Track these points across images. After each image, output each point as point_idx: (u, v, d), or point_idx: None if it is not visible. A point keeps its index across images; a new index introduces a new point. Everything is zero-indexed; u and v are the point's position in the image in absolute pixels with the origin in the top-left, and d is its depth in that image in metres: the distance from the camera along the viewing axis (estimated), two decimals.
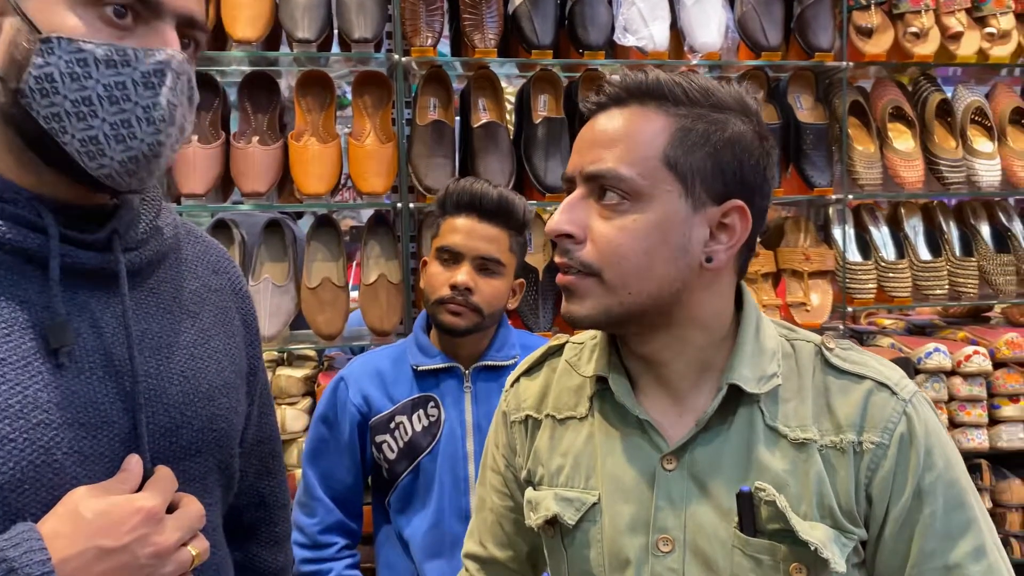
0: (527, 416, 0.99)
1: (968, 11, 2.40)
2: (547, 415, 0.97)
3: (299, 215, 2.76)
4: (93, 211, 0.78)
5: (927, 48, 2.34)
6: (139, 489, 0.75)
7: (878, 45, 2.33)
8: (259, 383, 1.01)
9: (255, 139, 2.08)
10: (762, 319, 0.90)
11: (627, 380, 0.90)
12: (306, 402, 2.13)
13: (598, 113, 0.85)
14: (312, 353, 2.34)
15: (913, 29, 2.32)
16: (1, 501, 0.68)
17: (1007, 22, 2.40)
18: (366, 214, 2.62)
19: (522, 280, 1.65)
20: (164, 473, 0.77)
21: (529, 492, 0.96)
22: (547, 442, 0.96)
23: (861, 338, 2.63)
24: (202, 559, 0.76)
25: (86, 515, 0.69)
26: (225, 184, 2.13)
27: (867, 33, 2.33)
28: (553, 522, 0.92)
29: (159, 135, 0.74)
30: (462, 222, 1.53)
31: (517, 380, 1.03)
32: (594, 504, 0.89)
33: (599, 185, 0.83)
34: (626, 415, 0.89)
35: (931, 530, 0.82)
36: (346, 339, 2.22)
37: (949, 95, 2.50)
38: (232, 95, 2.24)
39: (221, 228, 2.17)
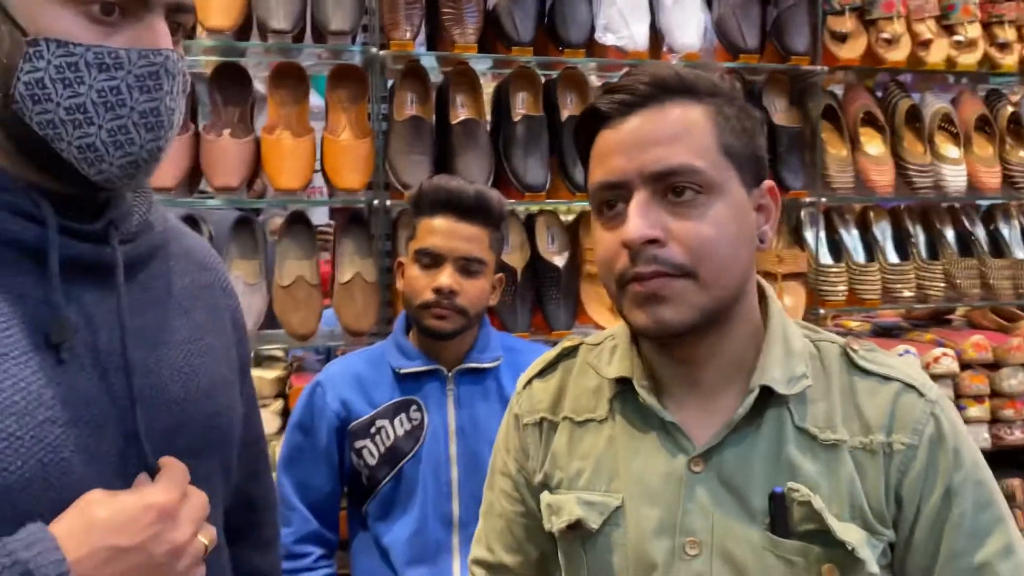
0: (542, 419, 0.96)
1: (937, 19, 2.44)
2: (564, 417, 0.94)
3: (258, 211, 2.69)
4: (87, 202, 0.75)
5: (898, 54, 2.37)
6: None
7: (852, 50, 2.36)
8: (248, 382, 0.97)
9: (226, 132, 2.01)
10: (787, 319, 0.89)
11: (650, 382, 0.88)
12: (278, 404, 2.06)
13: (629, 114, 0.82)
14: (281, 354, 2.27)
15: (885, 35, 2.36)
16: (10, 501, 0.64)
17: (974, 31, 2.46)
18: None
19: (502, 275, 1.62)
20: (174, 466, 0.73)
21: (547, 496, 0.93)
22: (565, 445, 0.93)
23: None
24: (212, 546, 0.74)
25: (99, 514, 0.66)
26: (191, 178, 2.06)
27: (841, 38, 2.35)
28: (575, 527, 0.89)
29: (158, 141, 0.72)
30: (440, 223, 1.49)
31: (530, 382, 1.00)
32: (618, 507, 0.87)
33: (668, 183, 0.79)
34: (650, 417, 0.87)
35: (960, 529, 0.81)
36: (320, 339, 2.16)
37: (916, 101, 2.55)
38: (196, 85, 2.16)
39: (189, 224, 2.09)
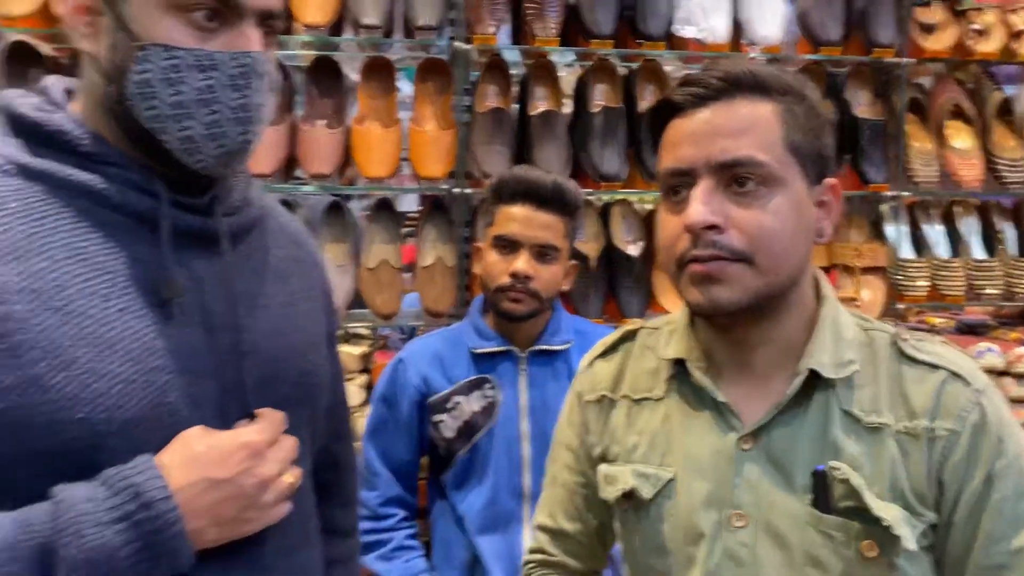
0: (602, 396, 1.03)
1: None
2: (623, 396, 1.01)
3: (348, 197, 2.82)
4: (193, 179, 0.84)
5: (990, 46, 2.32)
6: None
7: (940, 42, 2.32)
8: (334, 349, 1.06)
9: (320, 122, 2.14)
10: (839, 307, 0.93)
11: (706, 363, 0.93)
12: (363, 378, 2.19)
13: (700, 106, 0.87)
14: (367, 332, 2.40)
15: (976, 26, 2.30)
16: (125, 436, 0.74)
17: None
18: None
19: (575, 262, 1.69)
20: (272, 414, 0.83)
21: (604, 467, 1.00)
22: (623, 421, 1.00)
23: None
24: (296, 485, 0.83)
25: (198, 449, 0.75)
26: (287, 165, 2.19)
27: (929, 29, 2.32)
28: (629, 496, 0.95)
29: (247, 133, 0.80)
30: (518, 210, 1.57)
31: (592, 362, 1.07)
32: (670, 480, 0.93)
33: (732, 174, 0.85)
34: (703, 397, 0.93)
35: (999, 515, 0.84)
36: (401, 319, 2.27)
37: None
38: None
39: (286, 208, 2.23)
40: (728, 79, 0.87)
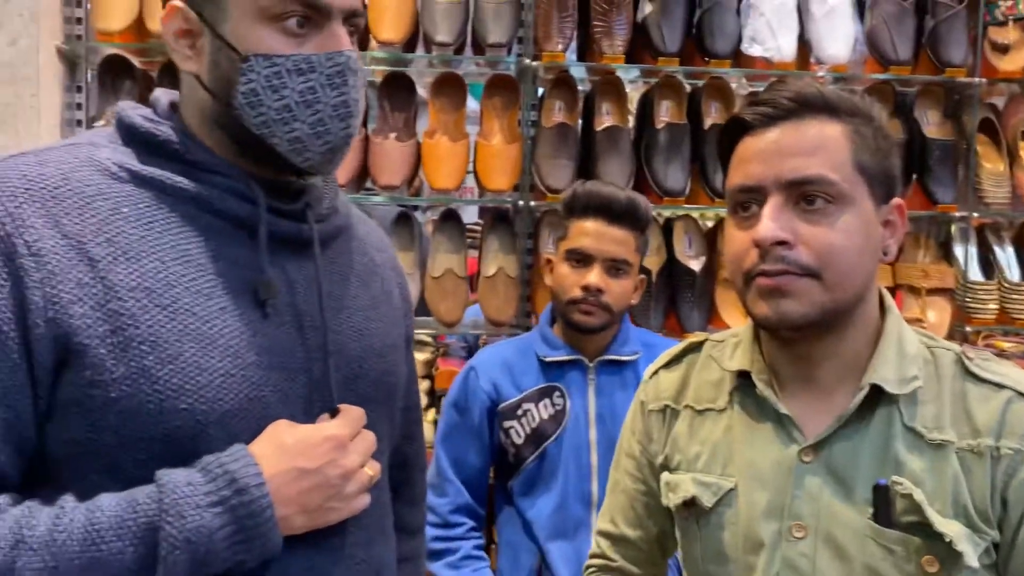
0: (666, 406, 1.06)
1: None
2: (686, 406, 1.04)
3: (414, 207, 2.89)
4: (288, 186, 0.90)
5: None
6: None
7: (1014, 62, 2.28)
8: (410, 352, 1.11)
9: (392, 135, 2.21)
10: (904, 325, 0.95)
11: (769, 376, 0.96)
12: (425, 384, 2.24)
13: (771, 126, 0.90)
14: (429, 339, 2.46)
15: None
16: (223, 426, 0.79)
17: None
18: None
19: (644, 276, 1.72)
20: (352, 409, 0.88)
21: (666, 475, 1.03)
22: (686, 430, 1.02)
23: None
24: (375, 478, 0.88)
25: (287, 441, 0.81)
26: (359, 176, 2.27)
27: (1003, 49, 2.28)
28: (690, 504, 0.98)
29: (349, 128, 0.86)
30: (591, 225, 1.61)
31: (656, 372, 1.10)
32: (731, 490, 0.96)
33: (801, 192, 0.88)
34: (766, 409, 0.95)
35: None
36: (464, 327, 2.33)
37: None
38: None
39: None
40: (798, 99, 0.90)
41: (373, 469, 0.88)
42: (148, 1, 2.14)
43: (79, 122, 2.24)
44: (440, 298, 2.22)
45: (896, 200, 0.93)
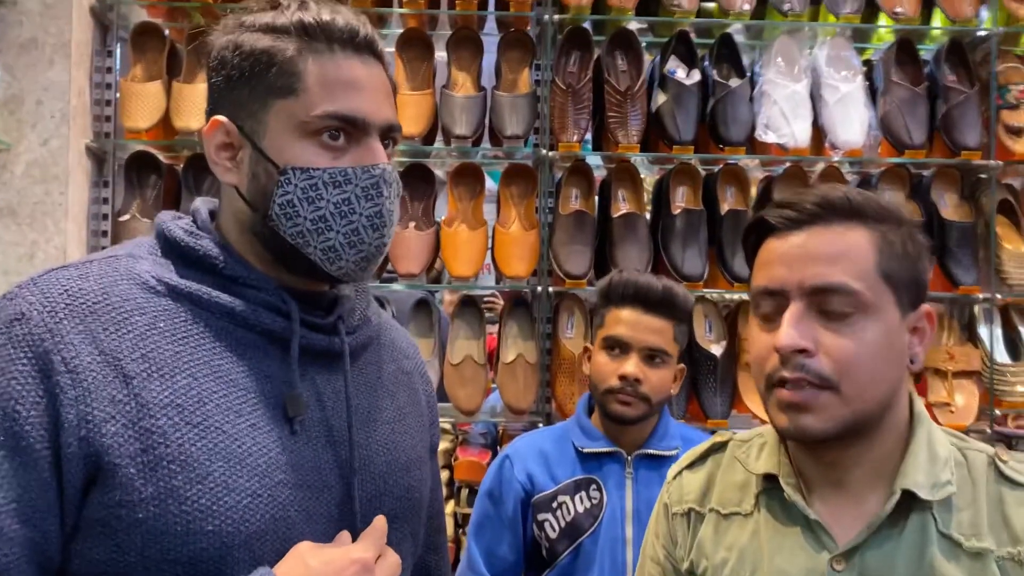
0: (690, 509, 1.03)
1: None
2: (711, 509, 1.01)
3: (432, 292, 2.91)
4: (318, 298, 0.91)
5: None
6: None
7: None
8: (435, 463, 1.09)
9: (411, 224, 2.24)
10: (933, 427, 0.92)
11: (796, 479, 0.93)
12: (444, 474, 2.21)
13: (795, 229, 0.89)
14: (448, 427, 2.44)
15: None
16: (249, 548, 0.78)
17: None
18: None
19: (683, 366, 1.69)
20: (376, 527, 0.86)
21: None
22: (711, 535, 0.99)
23: (1010, 442, 2.51)
24: None
25: (312, 564, 0.78)
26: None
27: (1016, 132, 2.30)
28: None
29: (383, 238, 0.87)
30: (628, 314, 1.60)
31: (680, 473, 1.07)
32: None
33: (824, 299, 0.86)
34: (794, 514, 0.93)
35: None
36: (483, 414, 2.30)
37: None
38: None
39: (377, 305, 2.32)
40: (823, 204, 0.89)
41: None
42: (175, 100, 2.21)
43: (105, 216, 2.29)
44: (459, 385, 2.21)
45: (925, 307, 0.91)
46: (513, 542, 1.65)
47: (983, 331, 2.39)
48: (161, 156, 2.33)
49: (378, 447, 0.91)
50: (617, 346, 1.60)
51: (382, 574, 0.83)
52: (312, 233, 0.84)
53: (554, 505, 1.62)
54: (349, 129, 0.85)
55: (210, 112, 0.88)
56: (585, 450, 1.64)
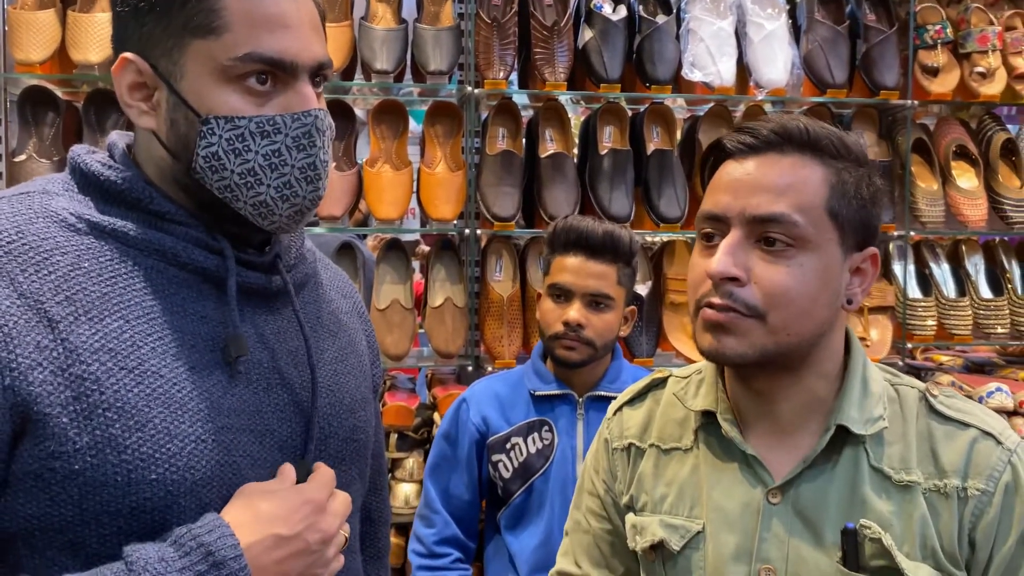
0: (630, 444, 1.03)
1: None
2: (651, 444, 1.01)
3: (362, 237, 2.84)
4: (249, 236, 0.85)
5: (993, 88, 2.35)
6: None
7: (944, 84, 2.35)
8: (378, 404, 1.07)
9: (331, 165, 2.15)
10: (868, 363, 0.93)
11: (734, 415, 0.94)
12: None
13: (750, 155, 0.87)
14: None
15: (979, 69, 2.34)
16: (195, 495, 0.74)
17: None
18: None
19: (634, 307, 1.71)
20: (325, 469, 0.83)
21: (632, 517, 1.00)
22: (651, 470, 1.00)
23: (919, 374, 2.63)
24: (348, 539, 0.83)
25: (263, 507, 0.75)
26: None
27: (933, 72, 2.35)
28: (657, 547, 0.95)
29: (318, 191, 0.82)
30: (571, 261, 1.61)
31: (620, 409, 1.07)
32: (699, 532, 0.93)
33: (764, 229, 0.85)
34: (732, 449, 0.93)
35: None
36: (411, 359, 2.27)
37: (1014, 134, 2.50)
38: None
39: None
40: (781, 132, 0.87)
41: (346, 530, 0.83)
42: (72, 30, 2.05)
43: None
44: (387, 331, 2.17)
45: (871, 250, 0.90)
46: (469, 482, 1.69)
47: (897, 268, 2.47)
48: (58, 91, 2.16)
49: (322, 388, 0.87)
50: (561, 293, 1.62)
51: (334, 513, 0.80)
52: (241, 187, 0.78)
53: (508, 446, 1.66)
54: (277, 72, 0.78)
55: (117, 46, 0.80)
56: (538, 393, 1.67)
